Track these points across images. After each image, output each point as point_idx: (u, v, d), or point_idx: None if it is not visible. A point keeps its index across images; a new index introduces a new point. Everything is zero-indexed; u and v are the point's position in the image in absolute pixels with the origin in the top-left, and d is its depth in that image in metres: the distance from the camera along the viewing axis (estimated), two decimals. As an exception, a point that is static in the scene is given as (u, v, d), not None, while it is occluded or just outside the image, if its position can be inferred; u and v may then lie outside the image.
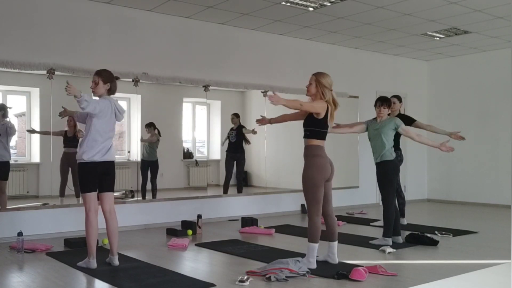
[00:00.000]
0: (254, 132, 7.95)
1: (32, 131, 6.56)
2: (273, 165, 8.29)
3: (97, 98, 4.34)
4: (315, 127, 4.23)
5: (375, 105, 5.46)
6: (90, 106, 4.07)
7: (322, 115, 4.20)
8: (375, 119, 5.51)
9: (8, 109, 6.20)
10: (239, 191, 8.06)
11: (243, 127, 8.13)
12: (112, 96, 4.41)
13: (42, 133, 6.40)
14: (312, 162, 4.21)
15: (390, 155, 5.32)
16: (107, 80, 4.33)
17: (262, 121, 4.88)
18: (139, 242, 5.64)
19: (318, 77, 4.27)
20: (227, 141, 8.18)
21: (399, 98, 6.38)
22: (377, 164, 5.41)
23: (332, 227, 4.35)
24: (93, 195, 4.28)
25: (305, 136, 4.30)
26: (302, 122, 4.38)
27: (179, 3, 6.46)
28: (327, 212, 4.34)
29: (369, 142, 5.51)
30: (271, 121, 4.83)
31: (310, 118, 4.26)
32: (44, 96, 6.30)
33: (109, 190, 4.37)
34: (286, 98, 4.06)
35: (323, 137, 4.26)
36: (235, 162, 8.14)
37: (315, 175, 4.17)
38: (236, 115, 8.16)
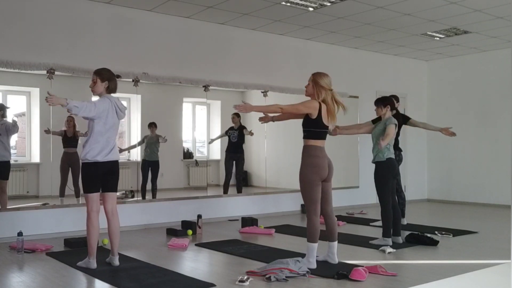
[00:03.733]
0: (251, 133, 8.00)
1: (48, 131, 6.45)
2: (273, 165, 8.29)
3: (96, 97, 4.33)
4: (310, 127, 4.24)
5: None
6: (84, 110, 4.05)
7: (314, 115, 4.19)
8: (379, 118, 5.52)
9: (7, 109, 6.19)
10: (239, 191, 8.06)
11: (244, 127, 8.12)
12: (112, 94, 4.37)
13: (55, 133, 6.36)
14: (307, 162, 4.21)
15: (382, 156, 5.30)
16: (105, 78, 4.28)
17: (264, 118, 4.70)
18: (139, 242, 5.63)
19: (315, 77, 4.28)
20: (228, 140, 8.14)
21: (396, 98, 6.35)
22: (374, 164, 5.44)
23: (331, 227, 4.34)
24: (95, 196, 4.26)
25: (303, 137, 4.31)
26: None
27: (179, 3, 6.46)
28: (327, 212, 4.34)
29: (371, 142, 5.51)
30: (274, 118, 4.69)
31: (305, 118, 4.27)
32: (44, 96, 6.20)
33: (112, 190, 4.35)
34: (259, 105, 4.24)
35: (319, 137, 4.24)
36: (234, 162, 8.14)
37: (309, 175, 4.18)
38: (237, 115, 8.15)
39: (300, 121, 4.37)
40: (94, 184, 4.26)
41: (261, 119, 4.76)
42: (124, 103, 7.20)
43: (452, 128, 6.17)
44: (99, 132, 4.20)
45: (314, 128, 4.22)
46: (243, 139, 8.15)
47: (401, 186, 6.57)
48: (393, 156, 5.34)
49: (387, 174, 5.30)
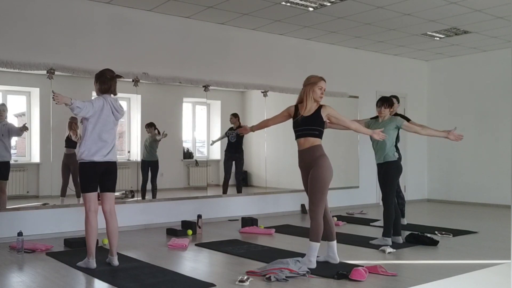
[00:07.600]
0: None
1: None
2: (273, 165, 8.28)
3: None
4: (323, 127, 4.31)
5: (377, 105, 5.46)
6: (83, 111, 4.11)
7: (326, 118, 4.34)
8: (376, 118, 5.50)
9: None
10: (239, 191, 8.06)
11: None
12: (112, 95, 4.36)
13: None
14: (325, 162, 4.20)
15: (393, 155, 5.33)
16: (95, 79, 4.37)
17: (244, 130, 4.84)
18: (139, 242, 5.64)
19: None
20: (227, 141, 8.17)
21: (397, 98, 6.36)
22: (379, 164, 5.42)
23: (331, 226, 4.36)
24: (93, 195, 4.27)
25: (313, 136, 4.26)
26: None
27: (179, 3, 6.46)
28: (326, 211, 4.35)
29: (371, 142, 5.49)
30: (253, 128, 4.78)
31: (319, 117, 4.26)
32: (44, 96, 6.30)
33: (110, 190, 4.37)
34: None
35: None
36: (233, 162, 8.14)
37: (328, 175, 4.20)
38: (234, 115, 8.16)
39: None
40: (91, 184, 4.26)
41: (240, 131, 4.93)
42: (124, 103, 7.27)
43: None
44: (93, 132, 4.21)
45: (323, 128, 4.32)
46: (242, 139, 8.16)
47: (400, 186, 6.57)
48: (400, 157, 5.38)
49: (396, 174, 5.36)
